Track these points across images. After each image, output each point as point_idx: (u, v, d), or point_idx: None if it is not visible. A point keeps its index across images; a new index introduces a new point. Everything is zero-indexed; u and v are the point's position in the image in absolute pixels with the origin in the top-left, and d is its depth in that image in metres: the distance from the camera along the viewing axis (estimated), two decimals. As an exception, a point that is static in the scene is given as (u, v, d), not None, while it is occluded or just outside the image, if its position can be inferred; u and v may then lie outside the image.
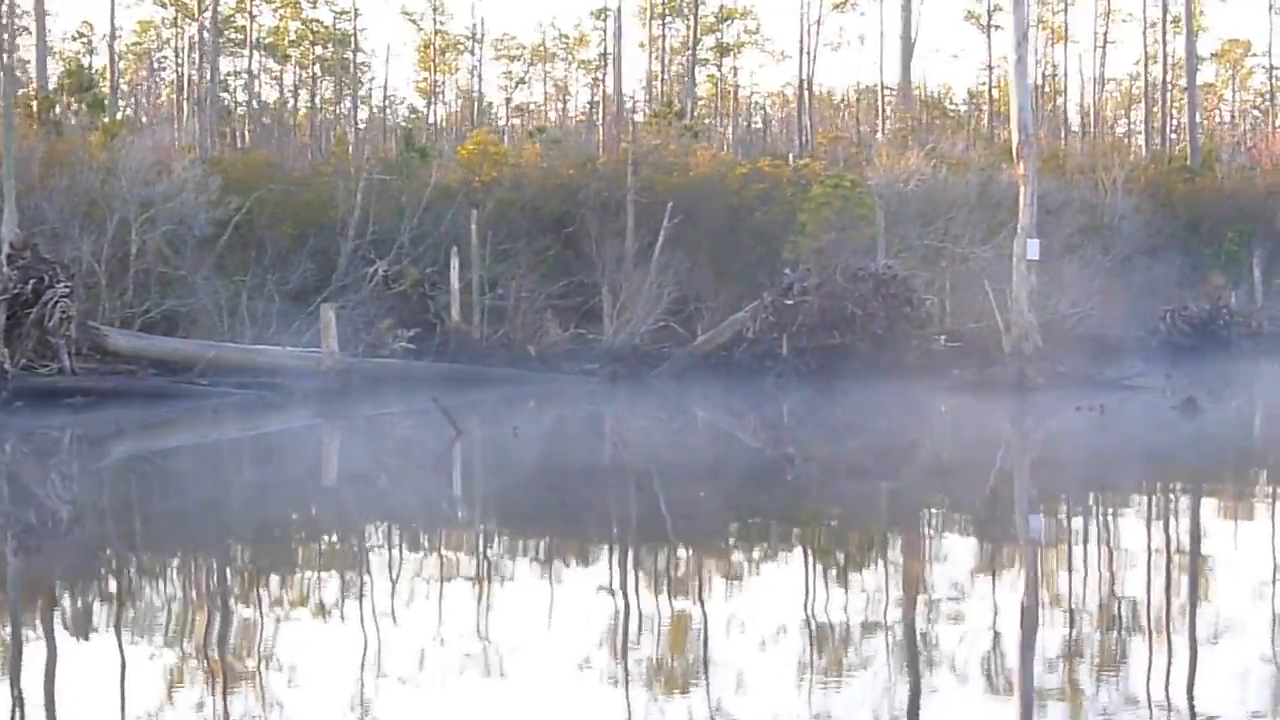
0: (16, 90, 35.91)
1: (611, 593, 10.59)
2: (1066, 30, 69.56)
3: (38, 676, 8.31)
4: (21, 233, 27.25)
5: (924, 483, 16.53)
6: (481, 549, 12.71)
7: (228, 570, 11.80)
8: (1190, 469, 17.54)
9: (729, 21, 72.41)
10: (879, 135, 45.08)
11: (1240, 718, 7.27)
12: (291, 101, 76.19)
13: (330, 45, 71.27)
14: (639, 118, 55.74)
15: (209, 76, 58.83)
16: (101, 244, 29.05)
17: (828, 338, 29.96)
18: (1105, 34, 69.43)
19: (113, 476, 18.09)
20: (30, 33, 57.69)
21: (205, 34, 59.90)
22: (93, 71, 48.72)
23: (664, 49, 71.23)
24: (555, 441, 21.44)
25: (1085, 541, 12.70)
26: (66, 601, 10.54)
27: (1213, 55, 77.61)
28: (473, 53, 74.13)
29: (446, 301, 31.26)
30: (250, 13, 67.10)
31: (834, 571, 11.33)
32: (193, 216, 29.65)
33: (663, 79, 70.07)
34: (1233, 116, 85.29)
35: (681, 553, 12.35)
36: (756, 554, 12.32)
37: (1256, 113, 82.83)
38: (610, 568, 11.87)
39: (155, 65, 77.57)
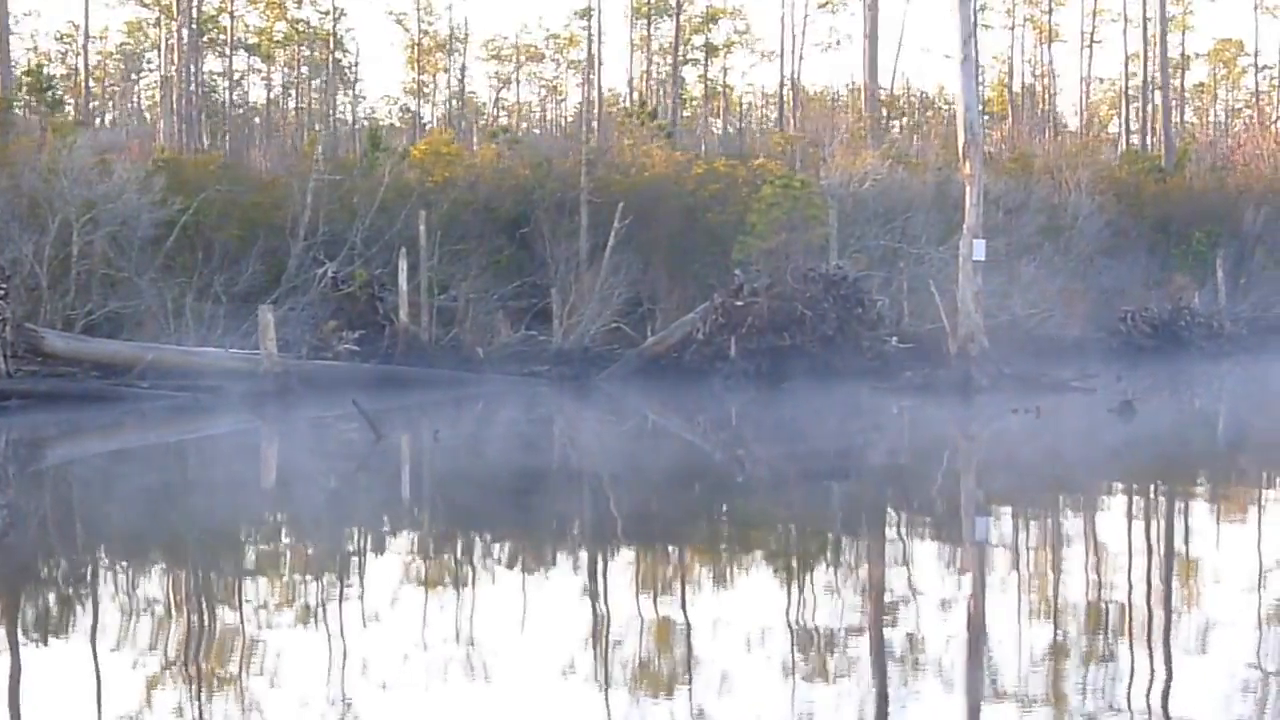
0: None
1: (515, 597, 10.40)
2: (1050, 29, 69.23)
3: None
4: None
5: (835, 488, 16.32)
6: (352, 558, 12.51)
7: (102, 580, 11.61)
8: (1101, 472, 17.33)
9: (716, 21, 72.19)
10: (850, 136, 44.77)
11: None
12: (280, 102, 76.11)
13: (314, 46, 71.09)
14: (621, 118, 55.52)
15: (186, 76, 58.64)
16: (44, 245, 28.82)
17: (777, 339, 29.71)
18: (1093, 34, 69.26)
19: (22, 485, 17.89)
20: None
21: (184, 34, 59.64)
22: (50, 73, 48.44)
23: (648, 49, 71.03)
24: (476, 446, 21.20)
25: (947, 547, 12.49)
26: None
27: (1197, 54, 77.22)
28: (448, 52, 73.69)
29: (396, 303, 31.03)
30: (231, 13, 66.87)
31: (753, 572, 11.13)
32: (136, 217, 29.40)
33: (648, 79, 69.86)
34: (1227, 116, 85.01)
35: (587, 560, 12.15)
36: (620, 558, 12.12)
37: (1250, 112, 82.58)
38: (495, 578, 11.65)
39: (146, 66, 77.47)
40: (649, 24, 70.77)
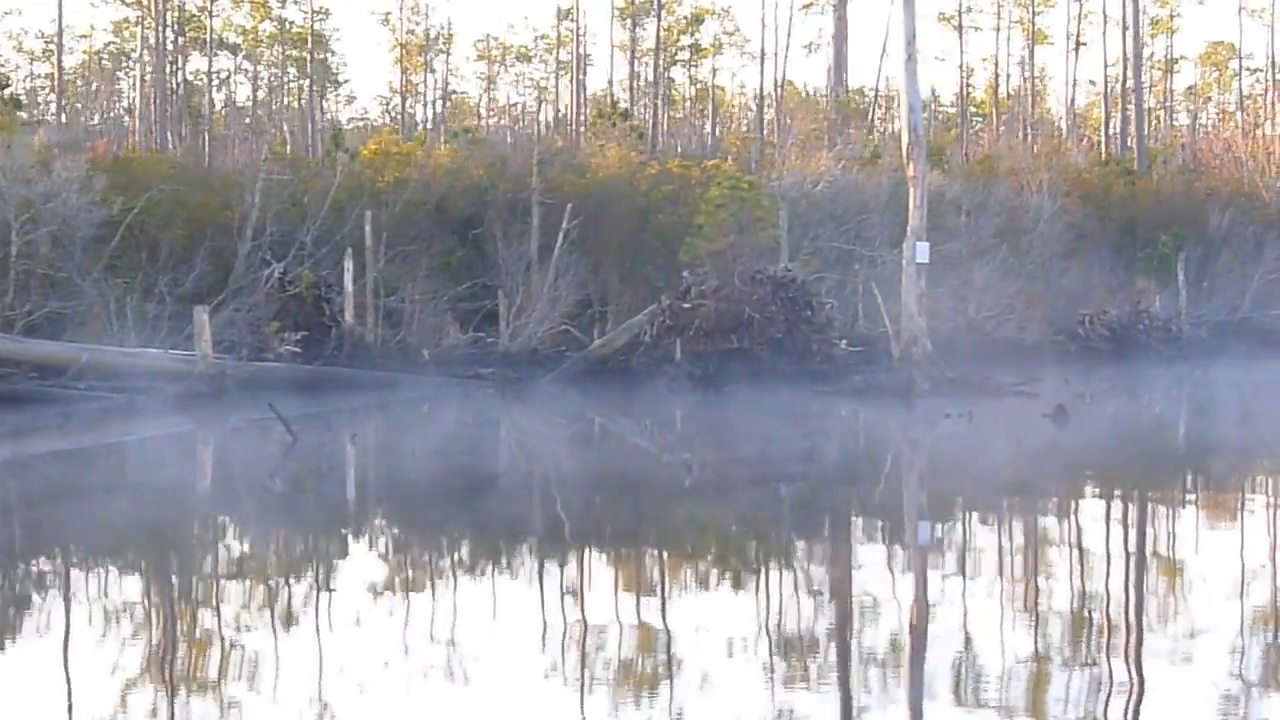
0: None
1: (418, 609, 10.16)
2: (1032, 29, 68.91)
3: None
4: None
5: (741, 496, 16.09)
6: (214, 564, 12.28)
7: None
8: (1011, 479, 17.10)
9: (701, 22, 71.95)
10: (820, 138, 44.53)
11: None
12: (269, 102, 75.93)
13: (298, 45, 70.87)
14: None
15: (161, 75, 58.48)
16: (-19, 245, 28.63)
17: (725, 342, 29.48)
18: (1078, 36, 68.91)
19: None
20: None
21: (161, 33, 59.48)
22: (5, 72, 48.23)
23: (632, 51, 70.74)
24: (392, 449, 20.97)
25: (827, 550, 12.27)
26: None
27: (1183, 57, 76.94)
28: (437, 53, 73.51)
29: (343, 304, 30.82)
30: (211, 12, 66.67)
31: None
32: (75, 217, 29.19)
33: (634, 81, 69.55)
34: (1220, 119, 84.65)
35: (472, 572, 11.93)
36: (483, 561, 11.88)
37: (1241, 115, 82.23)
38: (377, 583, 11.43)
39: (129, 65, 77.31)
40: (633, 25, 70.49)
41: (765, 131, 53.61)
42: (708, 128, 76.10)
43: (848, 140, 35.66)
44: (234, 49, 71.42)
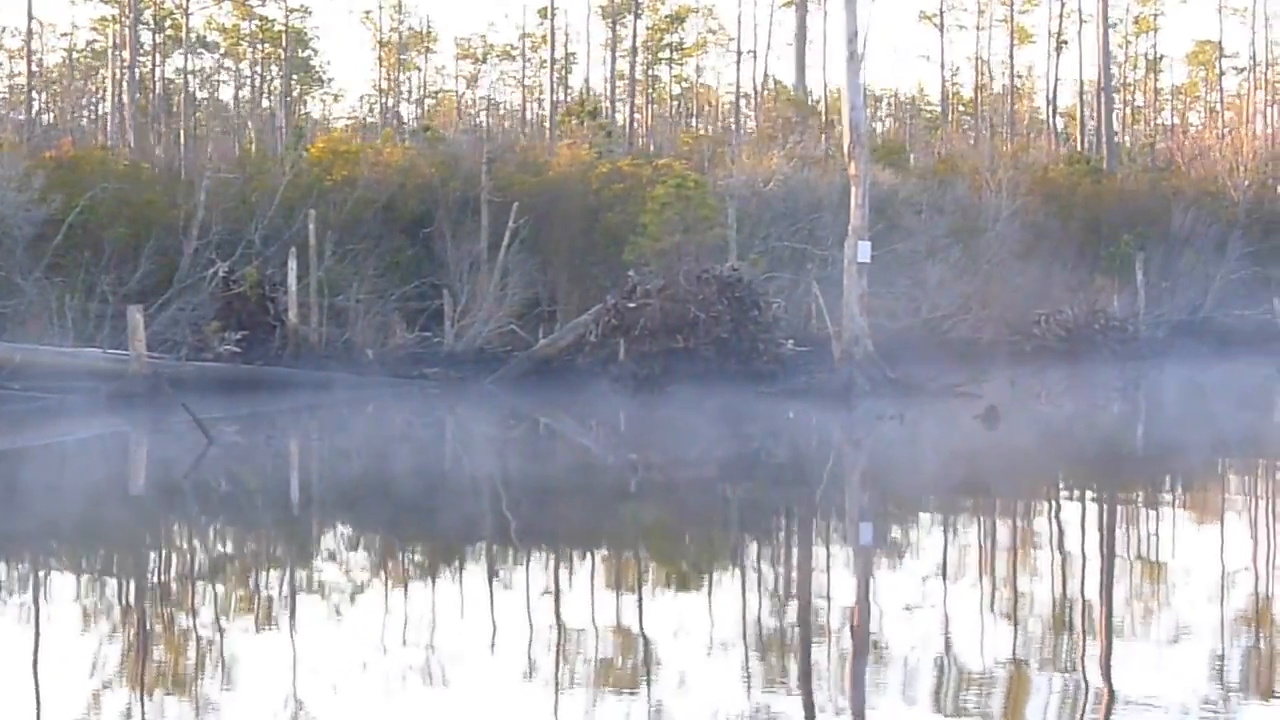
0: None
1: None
2: (1013, 26, 68.68)
3: None
4: None
5: (638, 499, 15.90)
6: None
7: None
8: (921, 484, 16.91)
9: (682, 21, 71.77)
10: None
11: None
12: (255, 100, 75.71)
13: (276, 43, 70.71)
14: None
15: (133, 73, 58.24)
16: (-82, 244, 28.45)
17: (670, 341, 29.22)
18: (1059, 34, 68.65)
19: None
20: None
21: (132, 30, 59.24)
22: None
23: (613, 50, 70.52)
24: (308, 452, 20.78)
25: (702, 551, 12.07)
26: None
27: (1164, 55, 76.70)
28: (419, 51, 73.34)
29: (287, 303, 30.60)
30: (186, 10, 66.45)
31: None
32: (14, 215, 28.98)
33: (612, 80, 69.34)
34: (1208, 117, 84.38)
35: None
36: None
37: (1229, 114, 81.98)
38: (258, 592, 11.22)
39: (105, 63, 77.09)
40: (614, 24, 70.22)
41: (740, 128, 53.44)
42: (694, 125, 75.86)
43: (798, 139, 35.37)
44: (211, 47, 71.18)
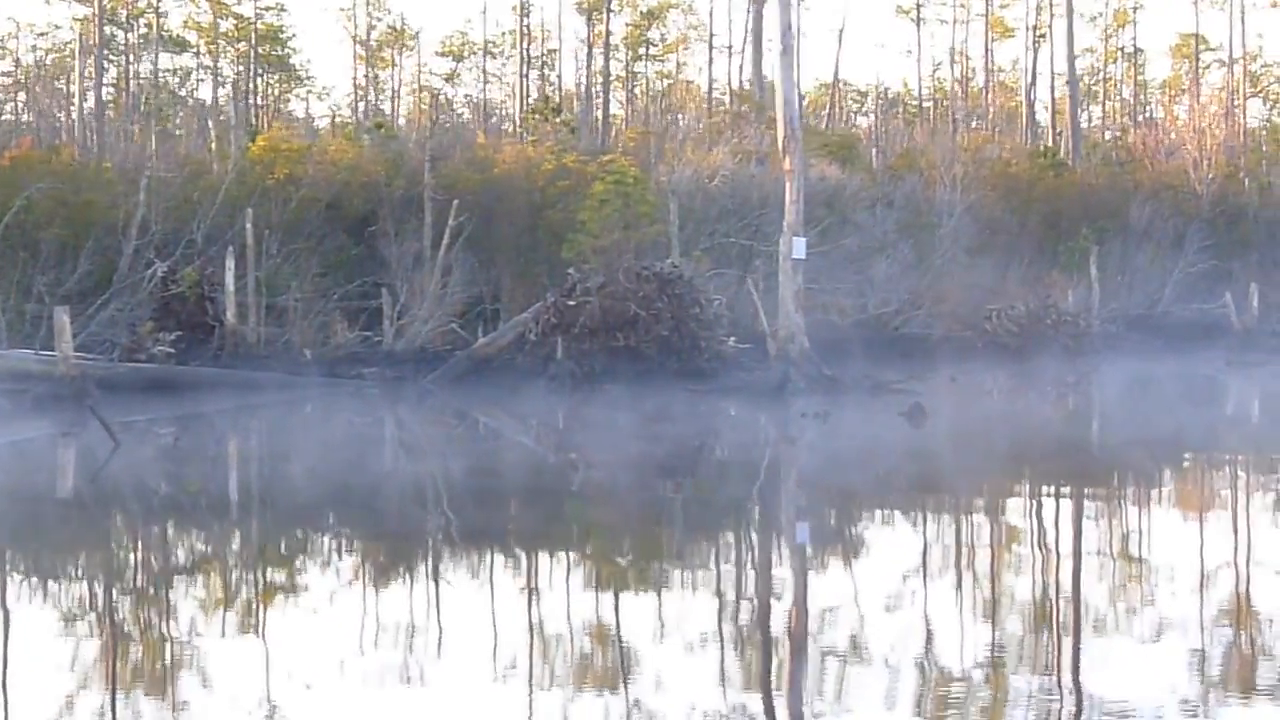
0: None
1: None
2: (988, 22, 68.46)
3: None
4: None
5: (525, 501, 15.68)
6: None
7: None
8: (818, 481, 16.69)
9: (658, 17, 71.48)
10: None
11: None
12: (239, 100, 75.46)
13: (250, 40, 70.44)
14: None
15: (99, 71, 58.06)
16: None
17: (610, 340, 29.02)
18: (1035, 28, 68.39)
19: None
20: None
21: (99, 28, 59.04)
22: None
23: (589, 46, 70.23)
24: (218, 455, 20.54)
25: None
26: None
27: (1140, 50, 76.46)
28: (385, 48, 73.09)
29: (225, 304, 30.38)
30: (157, 9, 66.25)
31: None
32: (-54, 216, 28.82)
33: (589, 77, 69.04)
34: (1193, 111, 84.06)
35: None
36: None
37: (1215, 108, 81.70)
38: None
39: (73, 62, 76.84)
40: (589, 20, 69.94)
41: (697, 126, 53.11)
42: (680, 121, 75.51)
43: (743, 134, 35.14)
44: (183, 45, 70.91)
